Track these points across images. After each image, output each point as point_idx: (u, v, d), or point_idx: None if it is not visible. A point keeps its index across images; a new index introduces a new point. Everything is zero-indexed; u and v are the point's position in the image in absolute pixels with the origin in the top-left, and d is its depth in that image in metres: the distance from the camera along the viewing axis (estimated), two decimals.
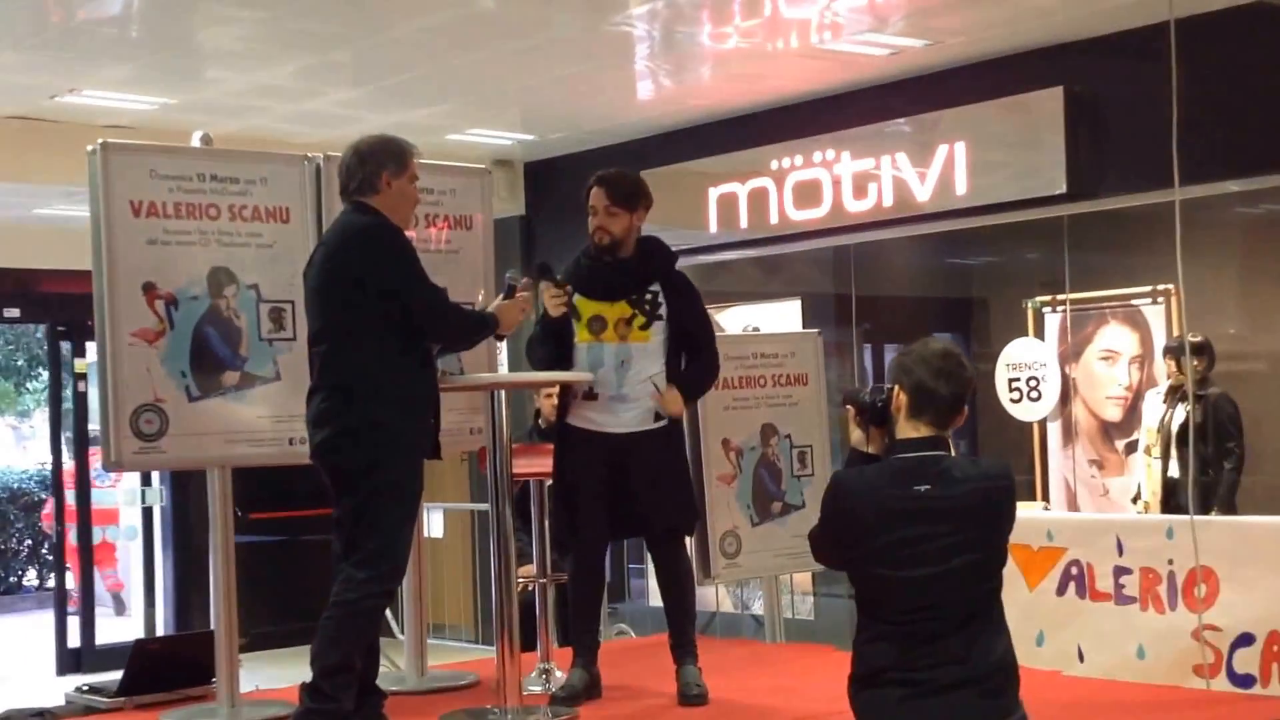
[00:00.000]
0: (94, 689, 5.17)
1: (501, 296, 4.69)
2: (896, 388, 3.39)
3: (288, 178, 4.99)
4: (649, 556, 5.21)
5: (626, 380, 4.86)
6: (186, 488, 10.21)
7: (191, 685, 5.07)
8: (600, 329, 4.88)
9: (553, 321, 4.88)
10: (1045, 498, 8.83)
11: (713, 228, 9.58)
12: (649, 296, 4.91)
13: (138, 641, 5.37)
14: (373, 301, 4.22)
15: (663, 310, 4.91)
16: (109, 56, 7.65)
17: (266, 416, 4.86)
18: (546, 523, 5.34)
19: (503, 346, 5.64)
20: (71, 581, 10.79)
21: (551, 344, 4.91)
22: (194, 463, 4.90)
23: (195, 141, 4.94)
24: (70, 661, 10.26)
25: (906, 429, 3.37)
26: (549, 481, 5.23)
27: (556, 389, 7.03)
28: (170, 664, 5.15)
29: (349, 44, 7.60)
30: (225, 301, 4.82)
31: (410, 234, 4.51)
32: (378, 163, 4.36)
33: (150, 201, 4.71)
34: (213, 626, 4.80)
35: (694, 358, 5.01)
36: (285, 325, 4.90)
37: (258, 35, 7.36)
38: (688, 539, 5.30)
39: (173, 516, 10.69)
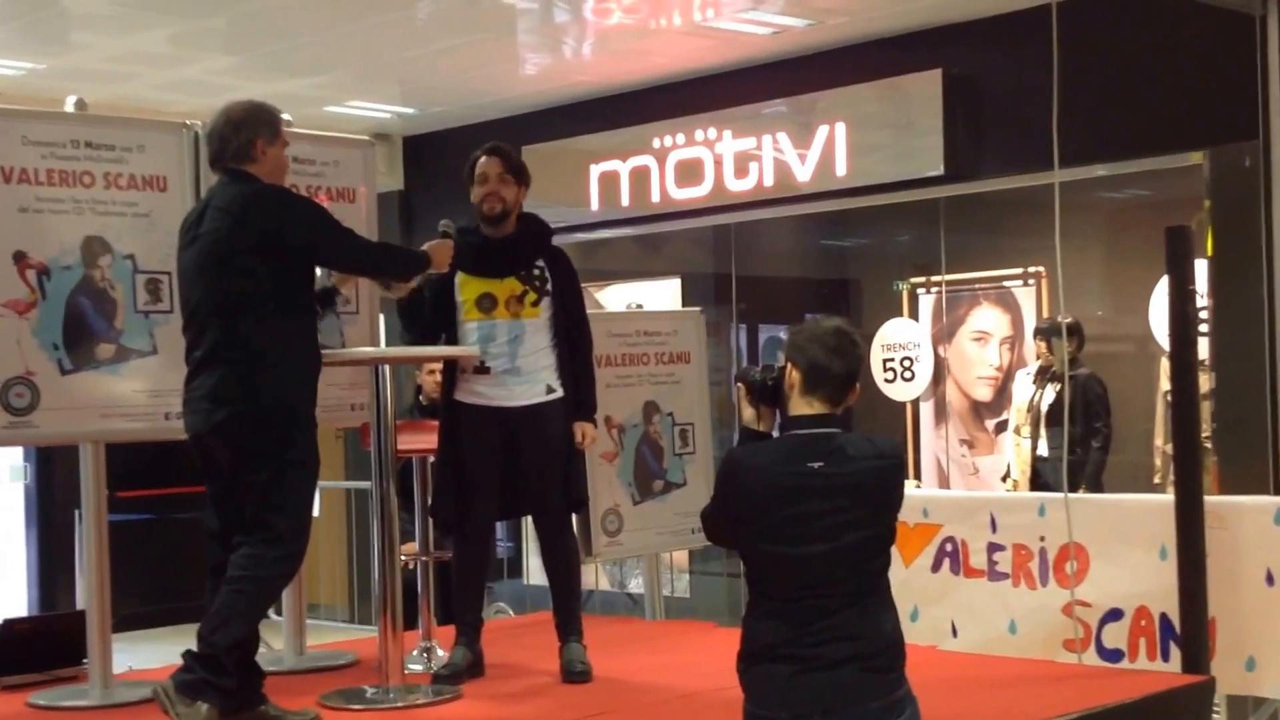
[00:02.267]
0: None
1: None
2: (790, 365, 3.40)
3: (165, 146, 4.85)
4: (532, 534, 5.19)
5: (520, 354, 4.84)
6: (52, 464, 9.93)
7: (62, 666, 4.94)
8: (491, 306, 4.83)
9: (436, 280, 4.79)
10: (917, 476, 8.99)
11: (594, 205, 9.56)
12: (536, 272, 4.90)
13: (5, 621, 5.22)
14: (277, 269, 4.13)
15: (549, 285, 4.90)
16: None
17: (142, 391, 4.73)
18: (430, 500, 5.28)
19: (383, 320, 5.57)
20: None
21: (427, 314, 4.85)
22: (67, 438, 4.75)
23: (69, 107, 4.78)
24: None
25: (800, 406, 3.38)
26: (432, 458, 5.17)
27: (440, 365, 6.98)
28: (40, 644, 5.02)
29: (224, 10, 7.43)
30: (100, 272, 4.67)
31: None
32: (252, 130, 4.26)
33: (21, 168, 4.55)
34: (81, 606, 4.68)
35: (576, 349, 4.97)
36: (162, 297, 4.76)
37: (125, 1, 7.16)
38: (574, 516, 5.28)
39: (37, 494, 10.39)
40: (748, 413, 3.52)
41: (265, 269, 4.12)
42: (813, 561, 3.28)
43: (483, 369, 4.83)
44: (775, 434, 3.50)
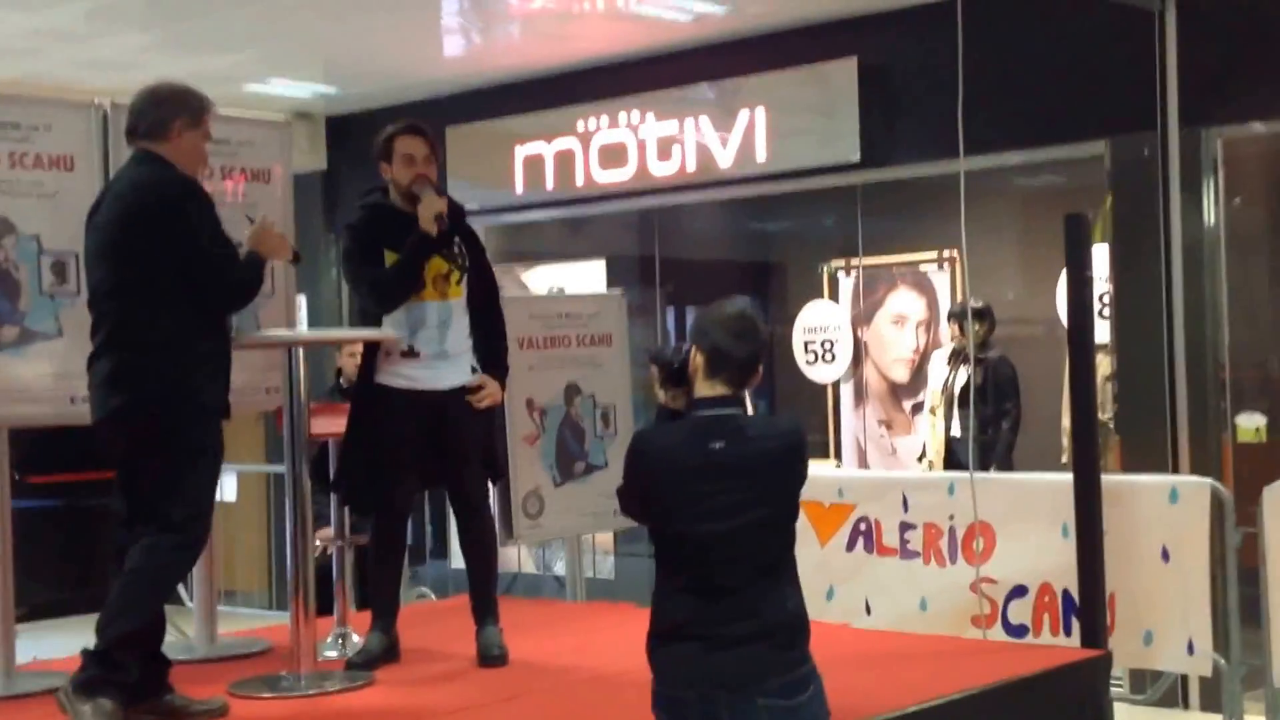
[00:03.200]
0: None
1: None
2: (694, 349, 3.46)
3: (73, 124, 4.79)
4: (451, 519, 5.19)
5: (449, 338, 4.83)
6: None
7: None
8: (419, 287, 4.80)
9: (424, 243, 4.75)
10: (838, 456, 9.10)
11: (519, 188, 9.57)
12: (457, 250, 4.89)
13: None
14: (168, 258, 4.08)
15: (466, 262, 4.90)
16: None
17: (47, 374, 4.67)
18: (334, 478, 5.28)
19: (302, 302, 5.55)
20: None
21: (416, 281, 4.78)
22: None
23: None
24: None
25: (704, 388, 3.44)
26: None
27: (361, 347, 6.96)
28: None
29: None
30: (3, 253, 4.62)
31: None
32: (172, 109, 4.22)
33: None
34: None
35: (489, 319, 4.98)
36: (68, 278, 4.70)
37: None
38: (492, 500, 5.30)
39: None
40: (661, 395, 3.59)
41: (163, 256, 4.07)
42: (715, 540, 3.35)
43: (411, 353, 4.81)
44: None
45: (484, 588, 4.97)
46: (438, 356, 4.81)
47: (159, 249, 4.08)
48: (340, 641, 5.15)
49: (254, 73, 9.17)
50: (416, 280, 4.78)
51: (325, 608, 5.06)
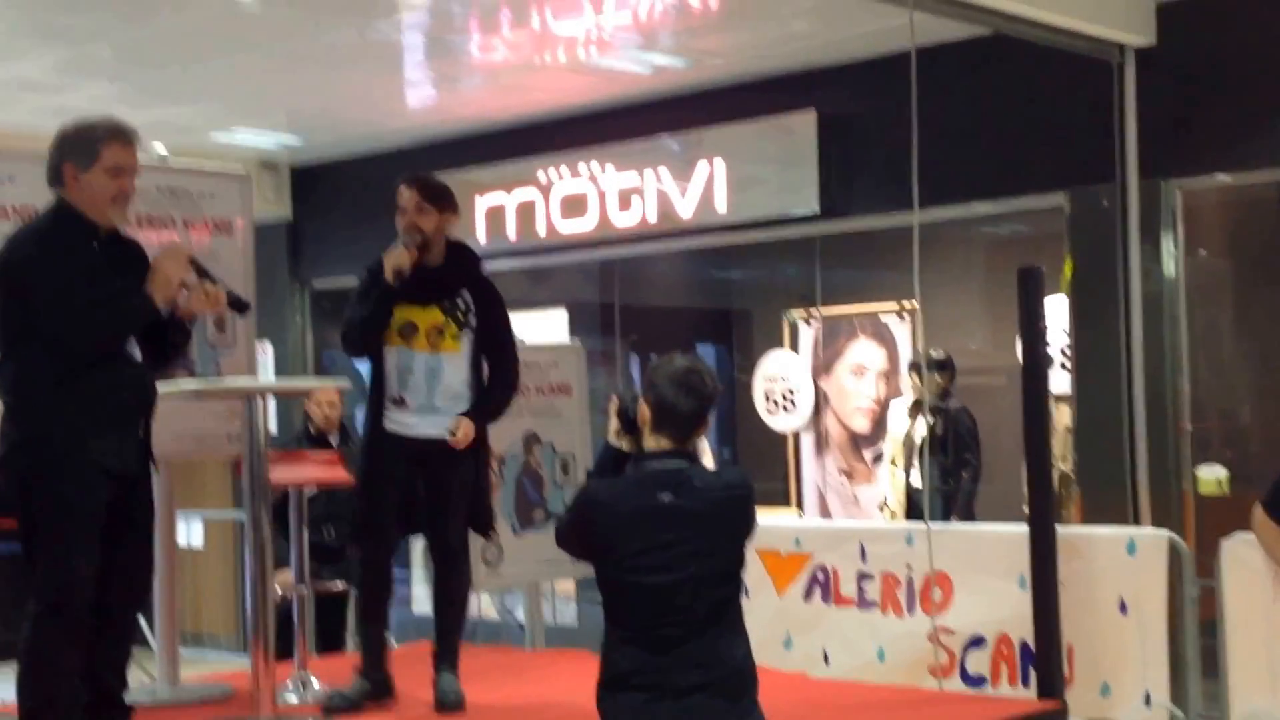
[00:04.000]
0: None
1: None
2: (643, 401, 3.50)
3: (37, 175, 4.81)
4: (418, 562, 5.19)
5: (438, 393, 4.83)
6: None
7: None
8: (411, 334, 4.82)
9: (385, 292, 4.74)
10: (799, 505, 9.13)
11: (481, 237, 9.61)
12: (460, 304, 4.89)
13: None
14: (15, 314, 3.94)
15: (472, 320, 4.90)
16: None
17: None
18: (305, 531, 5.29)
19: (268, 349, 5.56)
20: None
21: (377, 329, 4.77)
22: None
23: None
24: None
25: (650, 441, 3.48)
26: (309, 490, 5.18)
27: (336, 396, 6.94)
28: None
29: (106, 37, 7.40)
30: None
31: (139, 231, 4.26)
32: (59, 155, 4.03)
33: None
34: None
35: (496, 372, 4.97)
36: None
37: (7, 28, 7.11)
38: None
39: None
40: (613, 428, 3.61)
41: (19, 308, 3.92)
42: (662, 591, 3.37)
43: (400, 401, 4.82)
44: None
45: (449, 637, 4.98)
46: (424, 408, 4.82)
47: (11, 299, 3.95)
48: (301, 685, 5.14)
49: (220, 122, 9.21)
50: (376, 328, 4.79)
51: (287, 652, 5.05)
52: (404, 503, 4.87)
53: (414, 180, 4.91)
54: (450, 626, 4.98)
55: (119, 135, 4.03)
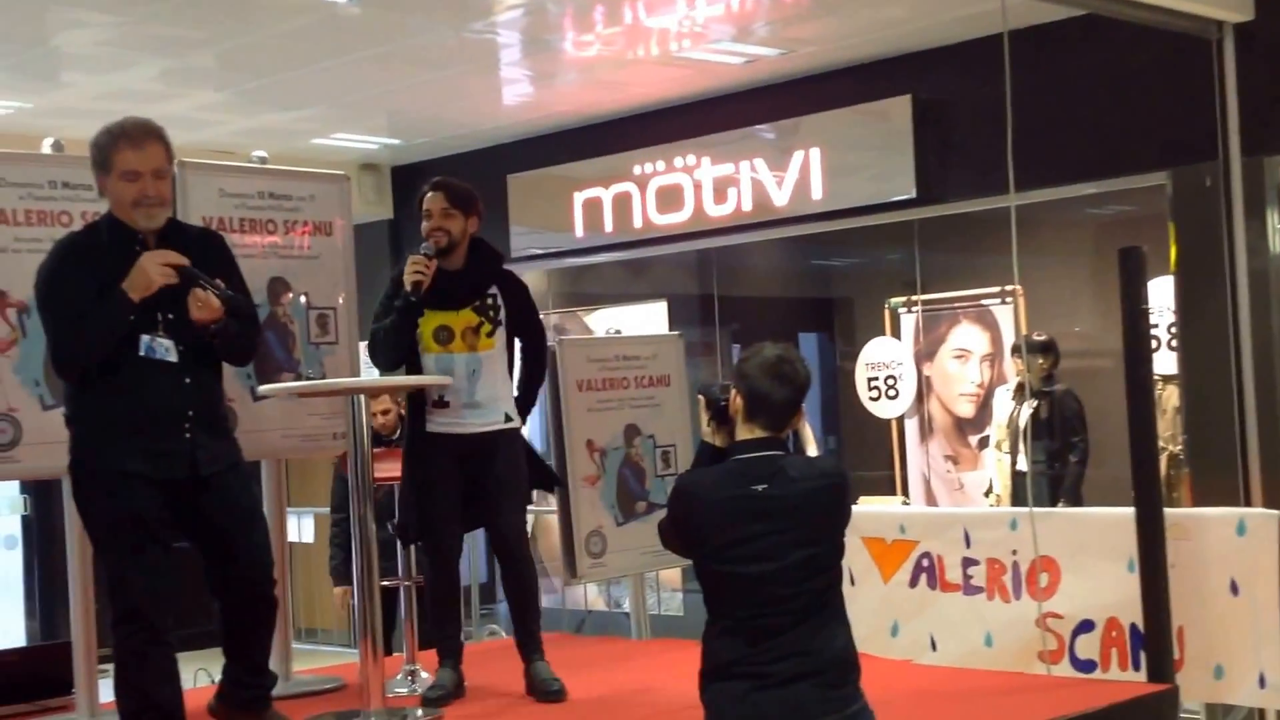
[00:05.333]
0: None
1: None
2: (735, 392, 3.51)
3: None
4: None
5: (479, 389, 4.91)
6: (51, 495, 10.03)
7: (51, 696, 4.99)
8: (448, 339, 4.89)
9: (410, 304, 4.81)
10: (904, 492, 9.07)
11: (579, 232, 9.68)
12: (490, 301, 4.96)
13: None
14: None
15: (502, 315, 4.98)
16: None
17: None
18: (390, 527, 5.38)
19: (363, 348, 5.65)
20: None
21: (404, 340, 4.86)
22: (48, 472, 4.72)
23: (46, 148, 4.87)
24: None
25: (744, 431, 3.48)
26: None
27: (388, 401, 7.05)
28: (28, 676, 5.08)
29: (210, 47, 7.57)
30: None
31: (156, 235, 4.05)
32: (91, 165, 4.05)
33: (0, 208, 4.62)
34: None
35: (529, 358, 5.09)
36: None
37: (115, 38, 7.30)
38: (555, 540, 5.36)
39: (38, 526, 10.49)
40: (706, 425, 3.63)
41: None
42: (761, 581, 3.38)
43: (441, 403, 4.89)
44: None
45: (528, 626, 5.02)
46: (467, 406, 4.89)
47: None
48: (410, 678, 5.23)
49: (319, 128, 9.37)
50: (401, 339, 4.85)
51: (397, 646, 5.12)
52: (459, 500, 4.93)
53: (439, 185, 4.96)
54: (527, 615, 5.02)
55: (127, 138, 3.96)
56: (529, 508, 5.20)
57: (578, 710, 4.84)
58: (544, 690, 4.89)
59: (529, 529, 5.29)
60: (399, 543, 5.45)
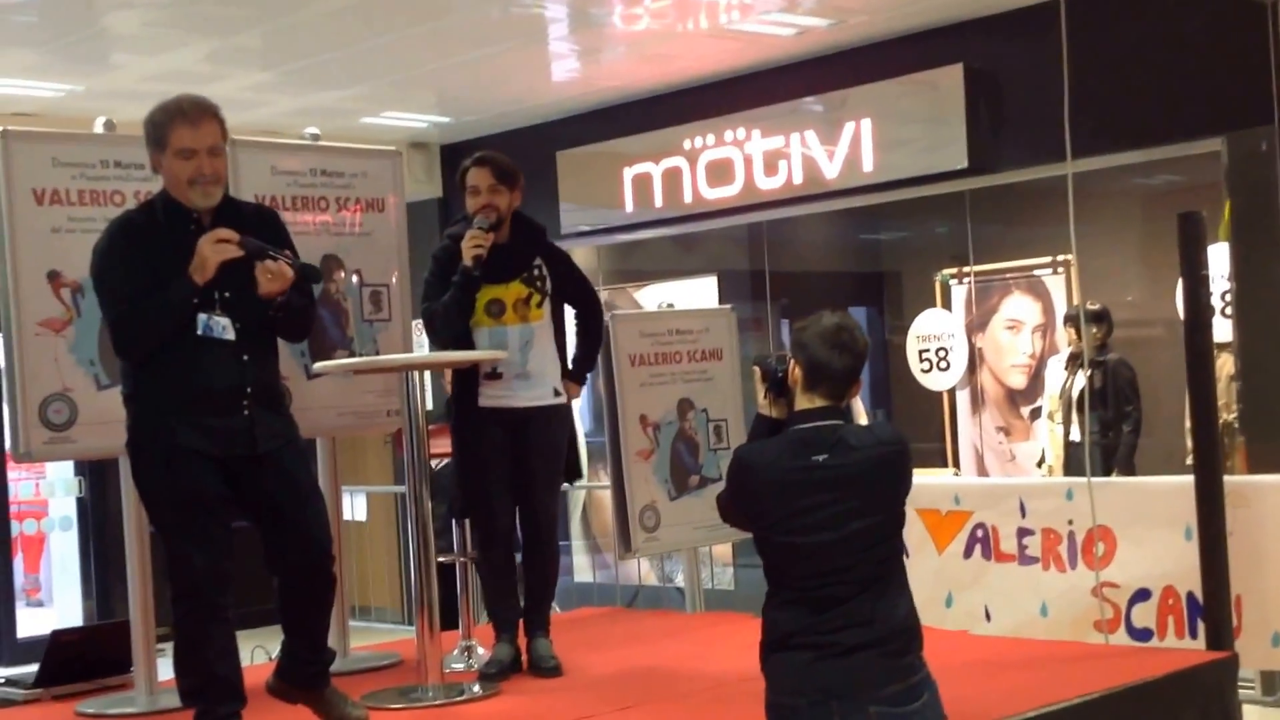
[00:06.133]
0: (11, 681, 5.15)
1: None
2: (793, 362, 3.49)
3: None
4: (577, 532, 5.26)
5: (531, 360, 4.94)
6: (106, 476, 10.15)
7: (110, 675, 5.04)
8: (499, 311, 4.92)
9: (470, 278, 4.83)
10: (955, 464, 9.04)
11: (629, 207, 9.68)
12: (536, 272, 5.00)
13: (54, 633, 5.30)
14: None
15: (548, 286, 5.01)
16: (13, 43, 7.59)
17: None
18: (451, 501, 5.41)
19: (418, 326, 5.66)
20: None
21: (465, 314, 4.88)
22: (104, 451, 4.77)
23: (98, 128, 4.89)
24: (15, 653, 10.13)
25: (803, 401, 3.46)
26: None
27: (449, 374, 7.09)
28: (88, 654, 5.12)
29: (257, 27, 7.60)
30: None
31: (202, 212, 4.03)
32: (146, 143, 4.03)
33: (53, 189, 4.65)
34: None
35: (583, 328, 5.15)
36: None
37: (163, 20, 7.34)
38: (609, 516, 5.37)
39: (93, 506, 10.63)
40: (761, 398, 3.62)
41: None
42: (822, 551, 3.36)
43: (494, 375, 4.92)
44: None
45: (540, 604, 5.07)
46: (519, 377, 4.93)
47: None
48: (466, 654, 5.26)
49: (368, 107, 9.40)
50: (463, 315, 4.88)
51: (452, 622, 5.16)
52: (509, 473, 4.95)
53: (484, 160, 4.97)
54: (541, 594, 5.06)
55: (183, 116, 3.95)
56: (580, 484, 5.24)
57: (636, 682, 4.86)
58: (538, 666, 4.94)
59: (581, 505, 5.33)
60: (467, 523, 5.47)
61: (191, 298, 3.91)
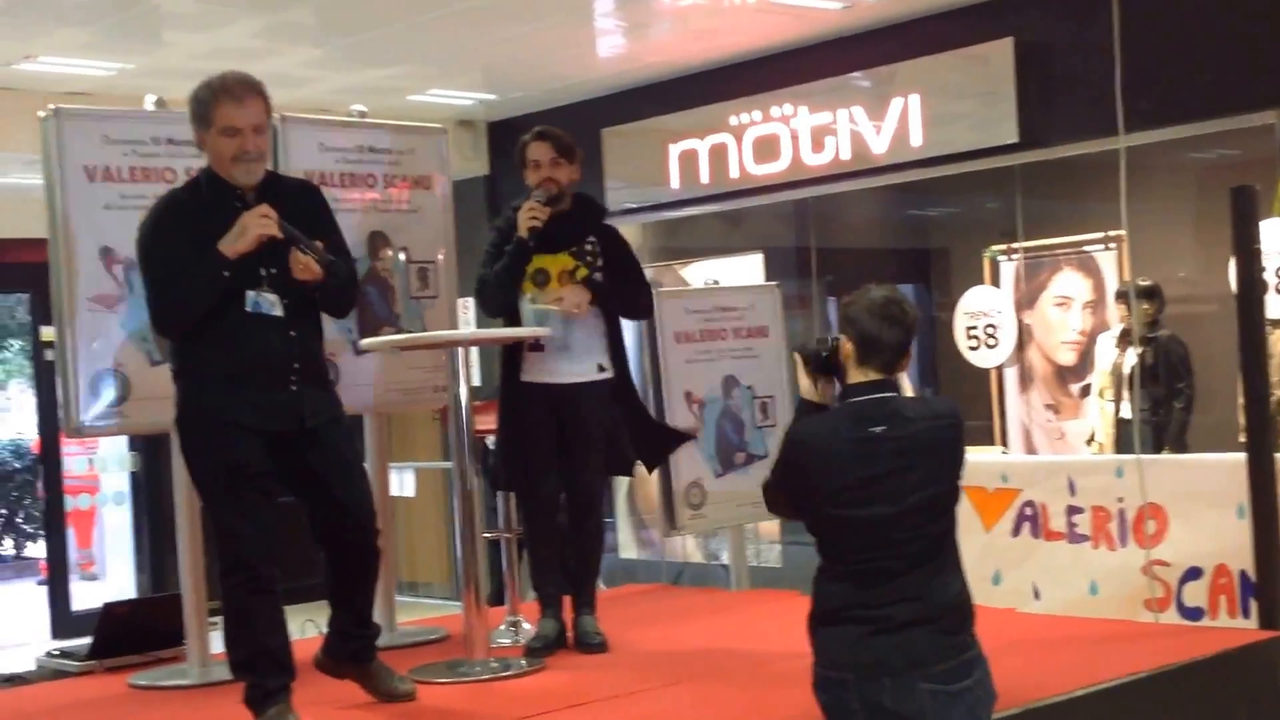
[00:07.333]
0: (65, 653, 5.23)
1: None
2: (843, 337, 3.48)
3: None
4: (622, 511, 5.26)
5: (574, 333, 4.93)
6: (160, 451, 10.25)
7: (162, 647, 5.11)
8: (544, 281, 4.93)
9: (523, 247, 4.85)
10: (1004, 442, 8.97)
11: (675, 184, 9.65)
12: (589, 248, 4.99)
13: (107, 605, 5.38)
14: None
15: (600, 263, 5.00)
16: (66, 22, 7.64)
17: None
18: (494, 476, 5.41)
19: (469, 304, 5.67)
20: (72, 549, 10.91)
21: (516, 282, 4.89)
22: (156, 427, 4.77)
23: (148, 105, 4.93)
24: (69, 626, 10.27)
25: (856, 375, 3.45)
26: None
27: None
28: (140, 627, 5.20)
29: (308, 3, 7.61)
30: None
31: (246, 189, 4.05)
32: (190, 120, 4.05)
33: (105, 166, 4.71)
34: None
35: (630, 290, 5.10)
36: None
37: None
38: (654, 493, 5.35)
39: (146, 481, 10.74)
40: (804, 384, 3.60)
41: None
42: (878, 523, 3.35)
43: (536, 346, 4.92)
44: (836, 404, 3.56)
45: (585, 581, 5.08)
46: (561, 349, 4.92)
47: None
48: (513, 629, 5.29)
49: (415, 84, 9.41)
50: (513, 285, 4.89)
51: (499, 598, 5.18)
52: (555, 449, 4.96)
53: (545, 135, 4.98)
54: (585, 571, 5.07)
55: (228, 93, 3.96)
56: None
57: (681, 659, 4.88)
58: (583, 642, 4.97)
59: (627, 482, 5.31)
60: (499, 493, 5.49)
61: (221, 270, 3.93)
